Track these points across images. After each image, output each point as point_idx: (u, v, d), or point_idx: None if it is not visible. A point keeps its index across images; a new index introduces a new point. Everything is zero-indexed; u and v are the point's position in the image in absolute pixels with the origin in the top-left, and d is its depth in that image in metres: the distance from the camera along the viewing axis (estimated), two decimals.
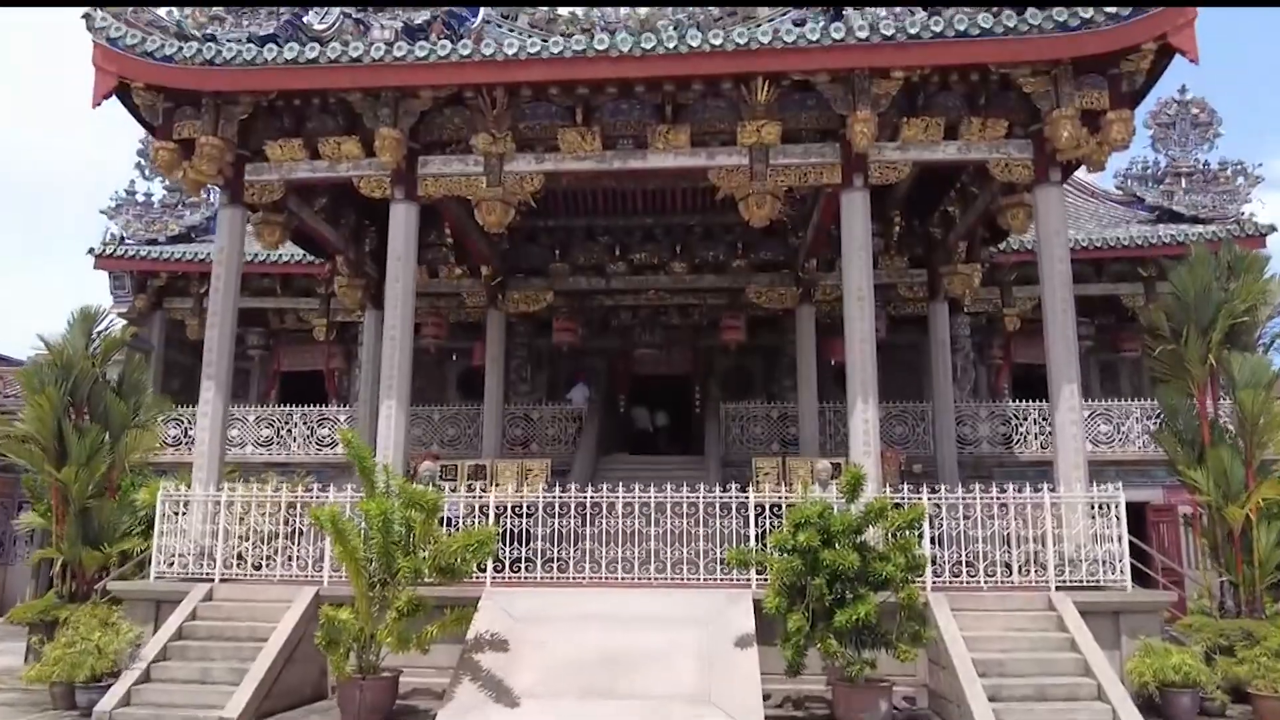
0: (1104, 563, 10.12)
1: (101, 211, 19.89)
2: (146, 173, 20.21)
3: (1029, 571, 10.21)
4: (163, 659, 9.68)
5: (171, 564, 10.97)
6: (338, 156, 12.14)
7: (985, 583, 10.09)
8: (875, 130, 11.25)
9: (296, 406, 18.55)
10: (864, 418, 11.03)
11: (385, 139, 11.51)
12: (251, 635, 9.89)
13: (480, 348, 17.93)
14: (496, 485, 13.83)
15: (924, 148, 11.74)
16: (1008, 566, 10.26)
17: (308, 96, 12.14)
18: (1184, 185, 19.60)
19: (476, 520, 10.85)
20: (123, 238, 19.59)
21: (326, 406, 18.94)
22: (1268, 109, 52.65)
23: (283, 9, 12.61)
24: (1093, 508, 10.36)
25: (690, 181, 15.28)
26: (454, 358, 19.77)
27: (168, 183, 20.12)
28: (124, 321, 18.25)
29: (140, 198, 20.37)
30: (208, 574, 10.81)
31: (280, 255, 18.56)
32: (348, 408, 18.57)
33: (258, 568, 10.84)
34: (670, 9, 12.91)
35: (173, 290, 20.13)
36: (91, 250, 19.03)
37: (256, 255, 18.49)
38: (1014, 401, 17.90)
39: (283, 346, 21.35)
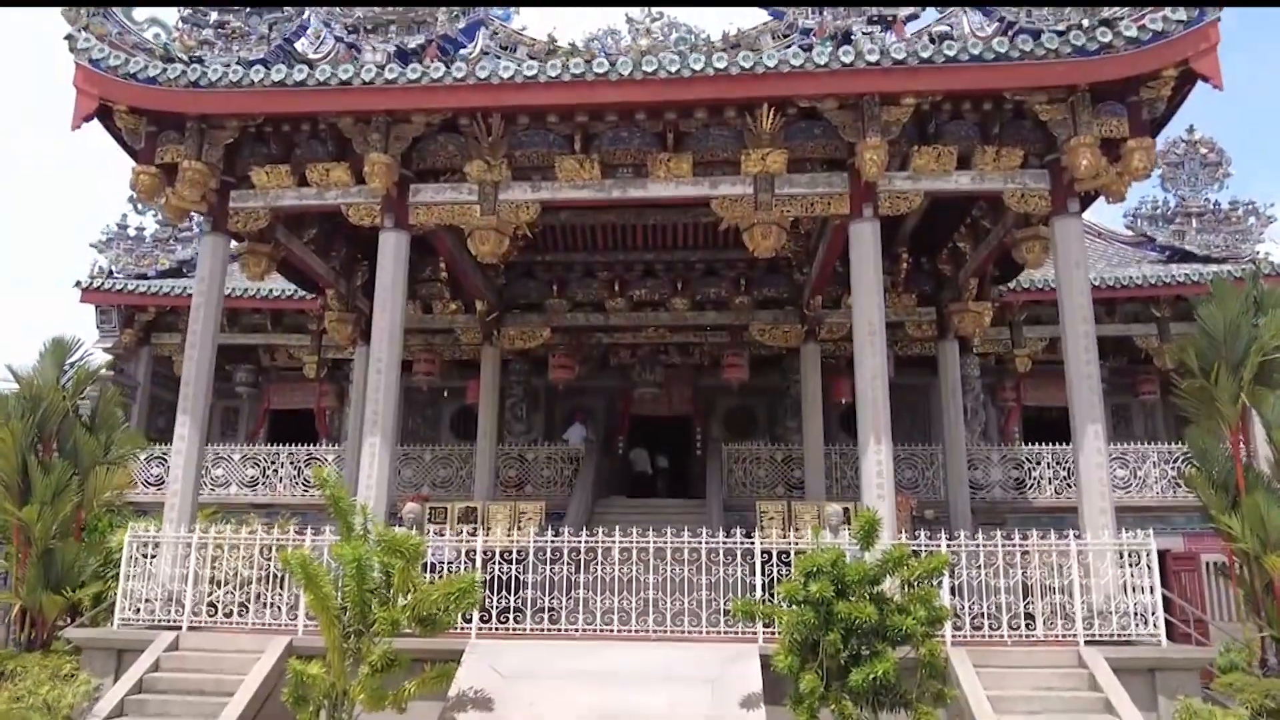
0: (1136, 615, 9.35)
1: (91, 245, 19.35)
2: (139, 207, 19.70)
3: (1055, 624, 9.43)
4: (119, 714, 8.88)
5: (137, 610, 10.18)
6: (326, 183, 11.59)
7: (1009, 636, 9.31)
8: (885, 158, 10.72)
9: (285, 446, 17.81)
10: (877, 459, 10.33)
11: (375, 164, 10.97)
12: (217, 689, 9.09)
13: (475, 386, 17.25)
14: (488, 529, 13.11)
15: (936, 177, 11.19)
16: (1031, 618, 9.48)
17: (296, 121, 11.64)
18: (1195, 225, 19.09)
19: (463, 565, 10.13)
20: (110, 271, 19.01)
21: (316, 446, 18.18)
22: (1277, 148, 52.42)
23: (274, 34, 12.20)
24: (1121, 556, 9.63)
25: (692, 216, 14.80)
26: (445, 394, 19.11)
27: (160, 217, 19.58)
28: (105, 354, 17.70)
29: (132, 232, 19.84)
30: (175, 621, 10.03)
31: (271, 290, 18.01)
32: (338, 447, 17.84)
33: (229, 615, 10.07)
34: (674, 41, 12.51)
35: (161, 325, 19.51)
36: (78, 283, 18.46)
37: (246, 290, 18.02)
38: (1025, 445, 17.18)
39: (273, 384, 20.70)
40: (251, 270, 12.62)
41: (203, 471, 17.31)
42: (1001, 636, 9.30)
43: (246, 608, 10.04)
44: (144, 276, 18.99)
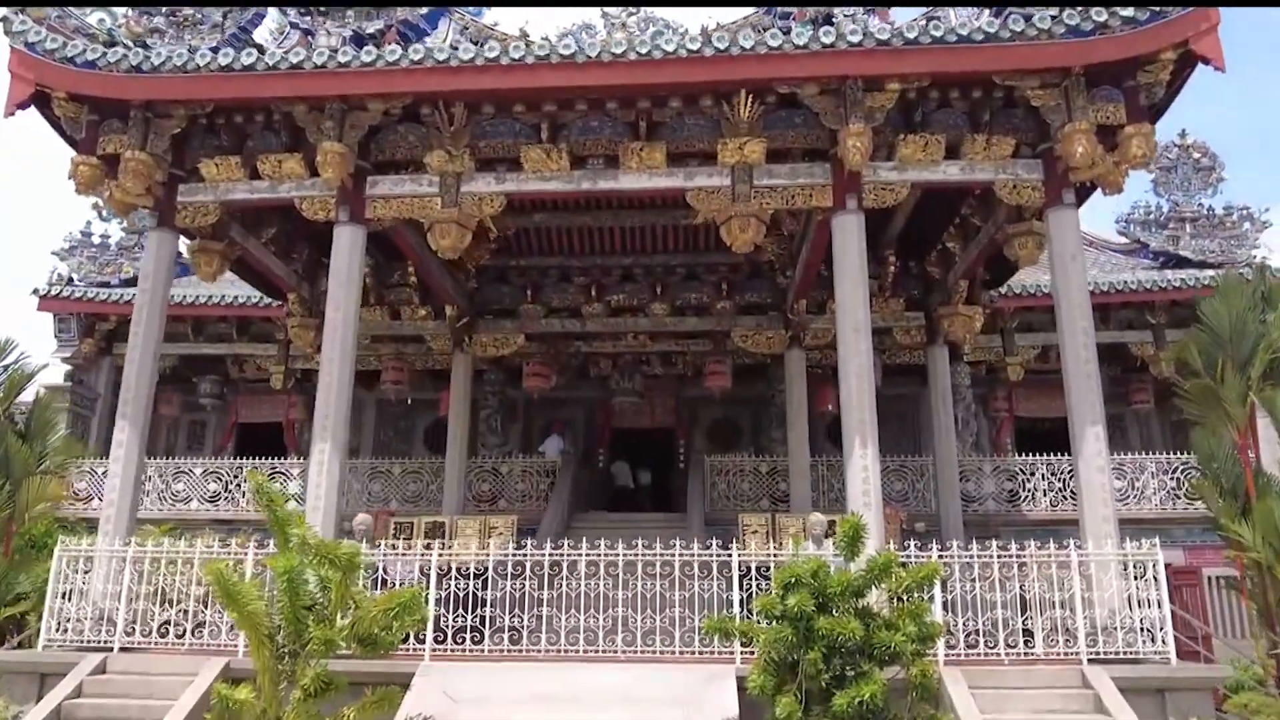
0: (1142, 631, 8.59)
1: (53, 253, 18.60)
2: (104, 214, 18.94)
3: (1055, 641, 8.65)
4: None
5: (65, 630, 9.36)
6: (278, 176, 10.85)
7: (1006, 655, 8.53)
8: (869, 146, 10.02)
9: (250, 460, 16.96)
10: (863, 464, 9.58)
11: (328, 154, 10.22)
12: (143, 715, 8.28)
13: (448, 397, 16.47)
14: (449, 545, 12.33)
15: (923, 168, 10.51)
16: (1029, 635, 8.72)
17: (248, 110, 10.94)
18: (1189, 230, 18.51)
19: (415, 581, 9.33)
20: (71, 278, 18.23)
21: (283, 460, 17.34)
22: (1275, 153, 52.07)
23: (228, 23, 11.54)
24: (1126, 567, 8.88)
25: (671, 218, 14.14)
26: (410, 403, 18.24)
27: (125, 224, 18.84)
28: (63, 364, 16.91)
29: (96, 240, 19.08)
30: (106, 642, 9.20)
31: (236, 297, 17.25)
32: (303, 461, 16.98)
33: (164, 635, 9.23)
34: (650, 35, 11.90)
35: (123, 335, 18.44)
36: (35, 291, 17.66)
37: (210, 296, 17.25)
38: (1018, 456, 16.45)
39: (241, 397, 19.78)
40: (203, 270, 11.89)
41: (164, 486, 16.70)
42: (998, 655, 8.52)
43: (183, 626, 9.22)
44: (106, 285, 18.20)
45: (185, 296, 17.26)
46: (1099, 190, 10.76)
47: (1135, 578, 8.79)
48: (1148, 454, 16.32)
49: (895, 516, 13.00)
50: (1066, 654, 8.56)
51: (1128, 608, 8.72)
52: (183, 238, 12.15)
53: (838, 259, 10.43)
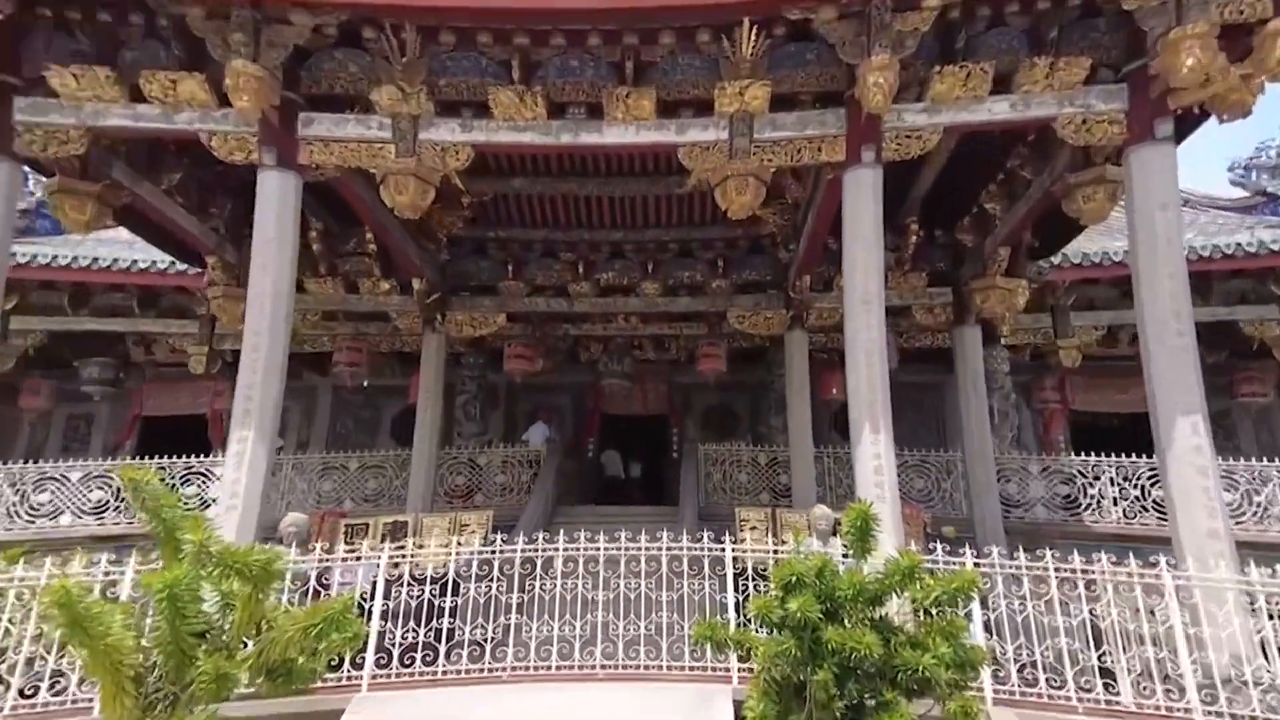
0: None
1: None
2: None
3: (1151, 690, 7.27)
4: None
5: None
6: (173, 101, 9.37)
7: (1079, 699, 7.27)
8: (894, 83, 8.93)
9: (161, 459, 14.50)
10: (874, 452, 8.62)
11: (241, 76, 8.86)
12: None
13: (418, 382, 15.42)
14: (420, 545, 11.35)
15: (961, 107, 9.38)
16: (1109, 675, 7.49)
17: (116, 5, 9.27)
18: None
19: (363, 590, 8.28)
20: None
21: (204, 457, 14.92)
22: None
23: None
24: (1253, 601, 7.51)
25: (664, 187, 13.23)
26: (365, 386, 16.78)
27: None
28: None
29: None
30: None
31: (137, 261, 15.26)
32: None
33: None
34: None
35: None
36: None
37: (98, 260, 15.31)
38: (1074, 455, 14.79)
39: (147, 384, 17.71)
40: (70, 217, 10.15)
41: (19, 499, 14.00)
42: (1067, 697, 7.28)
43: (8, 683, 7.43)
44: None
45: (59, 258, 15.07)
46: (1211, 118, 9.24)
47: (1272, 616, 7.45)
48: (1268, 457, 14.21)
49: (917, 517, 11.92)
50: (1170, 709, 7.19)
51: (1260, 655, 7.38)
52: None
53: (848, 222, 9.38)
